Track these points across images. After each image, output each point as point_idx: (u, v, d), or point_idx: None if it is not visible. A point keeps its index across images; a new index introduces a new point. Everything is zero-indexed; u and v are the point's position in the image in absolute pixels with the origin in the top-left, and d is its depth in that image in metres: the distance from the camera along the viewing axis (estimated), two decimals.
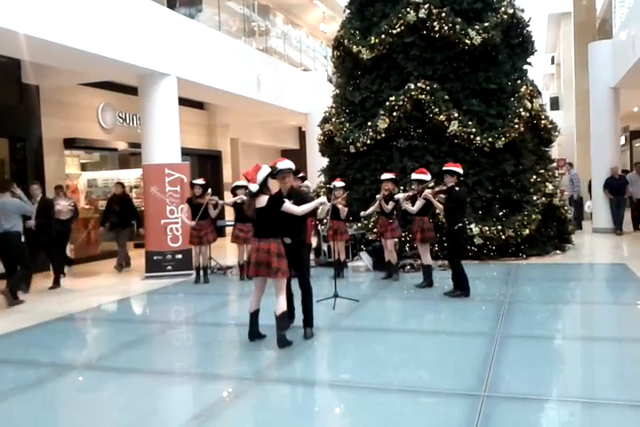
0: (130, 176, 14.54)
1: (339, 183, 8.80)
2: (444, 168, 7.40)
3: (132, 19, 9.59)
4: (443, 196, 7.41)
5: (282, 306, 5.24)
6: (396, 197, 8.21)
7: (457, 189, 7.20)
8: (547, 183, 10.91)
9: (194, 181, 9.25)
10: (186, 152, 12.65)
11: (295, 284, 5.61)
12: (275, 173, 5.41)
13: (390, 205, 8.31)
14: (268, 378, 4.68)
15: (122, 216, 10.69)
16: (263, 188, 5.29)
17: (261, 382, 4.57)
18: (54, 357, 5.56)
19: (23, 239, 8.03)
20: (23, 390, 4.55)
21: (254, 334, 5.49)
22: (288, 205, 5.26)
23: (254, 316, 5.46)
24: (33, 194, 9.11)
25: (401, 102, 10.66)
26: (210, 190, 9.21)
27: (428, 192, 7.59)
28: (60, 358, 5.54)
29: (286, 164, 5.52)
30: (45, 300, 8.38)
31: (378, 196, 8.43)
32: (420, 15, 10.74)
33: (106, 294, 8.60)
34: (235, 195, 9.04)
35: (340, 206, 8.60)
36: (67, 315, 7.22)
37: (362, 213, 8.93)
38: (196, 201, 8.99)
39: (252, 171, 5.32)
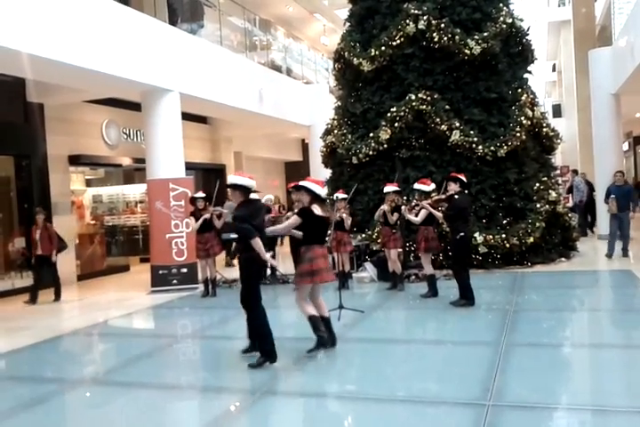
0: (135, 191, 14.67)
1: (341, 195, 8.85)
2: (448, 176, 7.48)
3: (135, 36, 9.72)
4: (445, 204, 7.46)
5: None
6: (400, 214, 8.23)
7: (457, 197, 7.25)
8: (550, 191, 10.91)
9: (194, 195, 9.31)
10: (190, 166, 12.72)
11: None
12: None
13: (395, 217, 8.33)
14: (275, 391, 4.69)
15: None
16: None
17: (268, 394, 4.57)
18: (62, 372, 5.58)
19: None
20: (31, 406, 4.57)
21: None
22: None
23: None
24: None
25: (402, 113, 10.72)
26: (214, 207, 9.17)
27: (426, 202, 7.63)
28: (67, 373, 5.56)
29: (232, 178, 5.19)
30: (51, 316, 8.42)
31: (385, 207, 8.36)
32: (420, 26, 10.82)
33: (112, 309, 8.64)
34: None
35: (344, 216, 8.61)
36: (73, 330, 7.25)
37: (375, 217, 8.87)
38: (201, 214, 9.03)
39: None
